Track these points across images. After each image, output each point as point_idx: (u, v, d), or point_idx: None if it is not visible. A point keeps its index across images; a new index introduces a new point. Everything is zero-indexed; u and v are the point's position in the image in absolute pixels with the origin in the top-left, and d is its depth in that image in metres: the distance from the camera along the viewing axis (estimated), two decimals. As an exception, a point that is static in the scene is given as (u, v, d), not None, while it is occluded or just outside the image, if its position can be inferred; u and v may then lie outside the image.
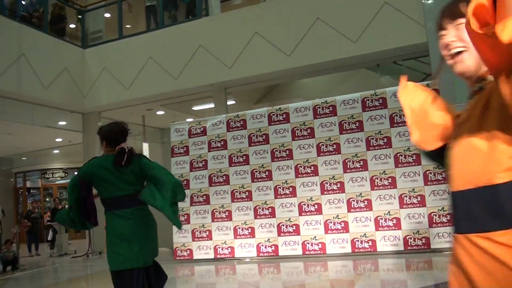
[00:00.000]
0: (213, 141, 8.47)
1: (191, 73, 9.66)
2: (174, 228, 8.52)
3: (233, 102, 11.01)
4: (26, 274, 9.21)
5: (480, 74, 1.31)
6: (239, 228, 8.03)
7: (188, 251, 8.45)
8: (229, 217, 8.15)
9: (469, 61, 1.31)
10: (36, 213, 14.36)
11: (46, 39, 10.33)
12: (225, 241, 8.17)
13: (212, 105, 10.70)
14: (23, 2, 10.71)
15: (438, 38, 1.40)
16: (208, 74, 9.50)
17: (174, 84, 9.89)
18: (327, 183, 7.53)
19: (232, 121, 8.38)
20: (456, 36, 1.33)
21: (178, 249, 8.56)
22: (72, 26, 12.17)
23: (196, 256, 8.36)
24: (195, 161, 8.57)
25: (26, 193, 18.98)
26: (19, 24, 9.77)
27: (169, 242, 8.89)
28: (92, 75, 11.00)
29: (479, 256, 1.17)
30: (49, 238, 13.38)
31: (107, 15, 12.13)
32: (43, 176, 18.92)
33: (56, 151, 17.29)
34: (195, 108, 12.05)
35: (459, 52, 1.33)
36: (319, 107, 7.78)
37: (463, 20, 1.24)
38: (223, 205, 8.23)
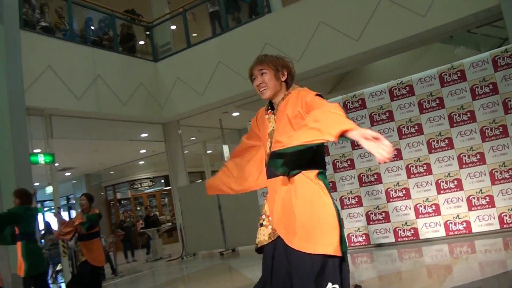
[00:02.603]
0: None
1: (261, 71, 9.72)
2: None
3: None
4: (125, 279, 9.73)
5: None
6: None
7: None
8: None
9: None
10: (128, 222, 15.15)
11: (119, 58, 10.86)
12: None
13: (285, 101, 10.73)
14: (92, 28, 11.30)
15: None
16: (277, 70, 9.52)
17: (245, 84, 9.94)
18: (412, 166, 7.32)
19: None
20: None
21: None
22: (141, 42, 12.67)
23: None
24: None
25: (118, 204, 20.01)
26: (92, 48, 10.35)
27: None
28: (167, 86, 11.40)
29: None
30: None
31: (173, 27, 12.51)
32: (132, 186, 19.84)
33: (141, 162, 18.09)
34: (269, 105, 12.12)
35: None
36: (395, 89, 7.57)
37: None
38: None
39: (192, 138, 14.36)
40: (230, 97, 10.54)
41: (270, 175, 2.46)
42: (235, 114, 12.52)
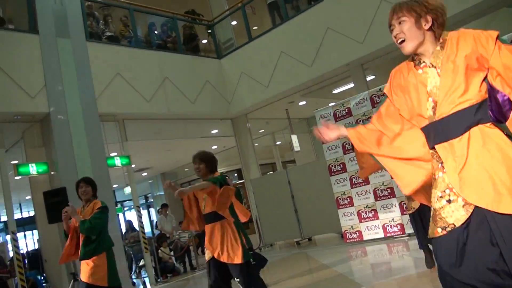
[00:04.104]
0: (360, 120, 8.33)
1: (325, 57, 9.62)
2: (340, 213, 8.58)
3: (373, 77, 10.72)
4: (204, 273, 9.93)
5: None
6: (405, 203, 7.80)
7: (357, 233, 8.45)
8: (392, 194, 7.97)
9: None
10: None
11: (184, 59, 11.11)
12: (393, 219, 8.00)
13: (351, 85, 10.55)
14: (156, 32, 11.63)
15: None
16: (341, 55, 9.37)
17: (310, 72, 9.94)
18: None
19: (375, 97, 8.16)
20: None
21: (347, 232, 8.59)
22: (204, 41, 12.87)
23: (366, 237, 8.32)
24: (346, 143, 8.52)
25: (194, 200, 20.41)
26: (157, 52, 10.69)
27: (336, 227, 8.97)
28: (232, 81, 11.52)
29: None
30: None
31: (234, 22, 12.60)
32: (206, 182, 20.16)
33: (214, 158, 18.37)
34: (335, 91, 11.97)
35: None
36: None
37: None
38: (383, 183, 8.07)
39: (261, 131, 14.44)
40: (295, 87, 10.48)
41: (441, 139, 1.97)
42: (302, 103, 12.45)
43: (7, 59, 7.79)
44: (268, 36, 10.83)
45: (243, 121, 12.18)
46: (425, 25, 2.02)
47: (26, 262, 9.11)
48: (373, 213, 8.21)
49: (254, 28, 12.05)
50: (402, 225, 7.88)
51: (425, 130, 2.06)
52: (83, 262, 4.64)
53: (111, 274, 4.58)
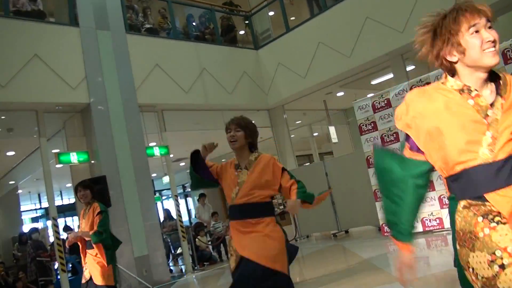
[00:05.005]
0: (399, 112, 8.16)
1: (363, 47, 9.46)
2: (378, 205, 8.47)
3: (413, 67, 10.48)
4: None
5: None
6: (444, 197, 7.63)
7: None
8: (432, 187, 7.80)
9: None
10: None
11: (222, 50, 11.16)
12: (432, 212, 7.84)
13: (391, 75, 10.34)
14: (194, 23, 11.71)
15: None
16: (380, 44, 9.20)
17: (348, 62, 9.81)
18: None
19: (416, 87, 7.97)
20: None
21: (385, 225, 8.47)
22: (242, 32, 12.88)
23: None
24: (385, 135, 8.38)
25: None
26: (195, 43, 10.79)
27: (374, 220, 8.87)
28: (269, 72, 11.50)
29: None
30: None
31: (271, 13, 12.54)
32: (242, 173, 20.28)
33: (251, 149, 18.43)
34: (374, 82, 11.78)
35: None
36: (509, 51, 6.98)
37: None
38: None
39: (297, 122, 14.37)
40: (333, 77, 10.36)
41: (500, 184, 1.56)
42: (340, 94, 12.31)
43: (48, 51, 8.02)
44: (305, 26, 10.74)
45: (280, 112, 12.14)
46: None
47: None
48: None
49: (291, 18, 11.96)
50: (441, 219, 7.70)
51: (471, 173, 1.59)
52: (89, 259, 4.92)
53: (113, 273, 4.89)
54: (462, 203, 1.61)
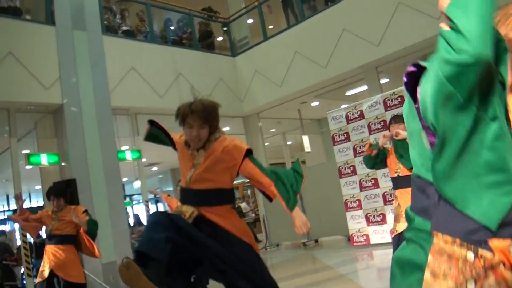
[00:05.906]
0: (372, 123, 8.29)
1: (339, 59, 9.58)
2: (348, 215, 8.55)
3: (387, 80, 10.66)
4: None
5: None
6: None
7: (365, 236, 8.41)
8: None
9: None
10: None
11: (199, 56, 11.14)
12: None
13: (365, 87, 10.49)
14: (172, 28, 11.67)
15: None
16: (356, 57, 9.32)
17: (324, 73, 9.90)
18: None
19: (389, 100, 8.12)
20: None
21: (354, 235, 8.56)
22: (220, 38, 12.88)
23: (373, 241, 8.28)
24: (357, 146, 8.48)
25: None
26: (172, 47, 10.74)
27: (344, 230, 8.94)
28: (246, 79, 11.52)
29: None
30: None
31: (250, 21, 12.59)
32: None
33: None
34: (348, 93, 11.92)
35: None
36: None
37: None
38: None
39: (272, 130, 14.42)
40: (309, 87, 10.45)
41: None
42: (314, 103, 12.41)
43: (23, 49, 7.86)
44: (283, 36, 10.82)
45: (254, 120, 12.17)
46: None
47: (33, 250, 9.19)
48: (381, 217, 8.17)
49: (270, 27, 12.03)
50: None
51: None
52: (54, 255, 4.74)
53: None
54: None
